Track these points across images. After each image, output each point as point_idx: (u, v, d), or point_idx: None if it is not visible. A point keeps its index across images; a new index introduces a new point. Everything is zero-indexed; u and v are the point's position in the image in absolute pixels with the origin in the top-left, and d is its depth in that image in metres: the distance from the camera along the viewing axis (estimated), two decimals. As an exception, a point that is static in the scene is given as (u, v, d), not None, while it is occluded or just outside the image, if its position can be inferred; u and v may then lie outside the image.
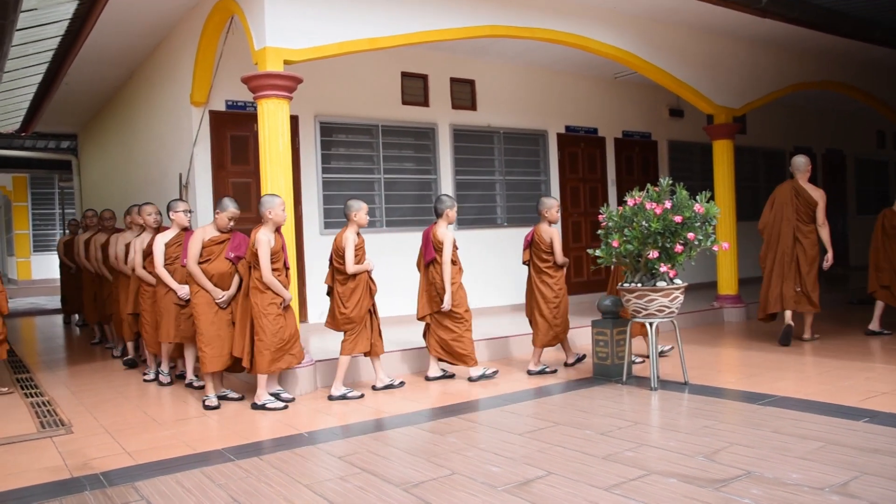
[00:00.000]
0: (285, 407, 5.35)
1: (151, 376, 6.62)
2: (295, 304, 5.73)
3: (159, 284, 6.22)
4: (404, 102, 9.19)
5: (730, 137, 9.36)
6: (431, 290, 6.08)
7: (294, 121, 8.04)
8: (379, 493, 3.44)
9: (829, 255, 7.15)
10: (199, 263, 5.51)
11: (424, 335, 6.24)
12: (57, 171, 17.91)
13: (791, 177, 7.38)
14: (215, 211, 5.62)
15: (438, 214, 6.09)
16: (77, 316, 11.27)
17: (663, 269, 5.23)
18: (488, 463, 3.83)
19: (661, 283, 5.32)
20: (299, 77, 5.97)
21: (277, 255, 5.38)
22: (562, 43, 7.68)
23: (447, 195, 6.23)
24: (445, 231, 6.02)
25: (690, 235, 5.17)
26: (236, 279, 5.58)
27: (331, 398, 5.59)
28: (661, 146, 11.94)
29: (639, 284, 5.41)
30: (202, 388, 6.09)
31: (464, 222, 9.51)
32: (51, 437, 4.81)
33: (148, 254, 6.42)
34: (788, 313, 7.20)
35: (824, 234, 7.15)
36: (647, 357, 6.44)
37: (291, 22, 5.97)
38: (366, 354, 5.83)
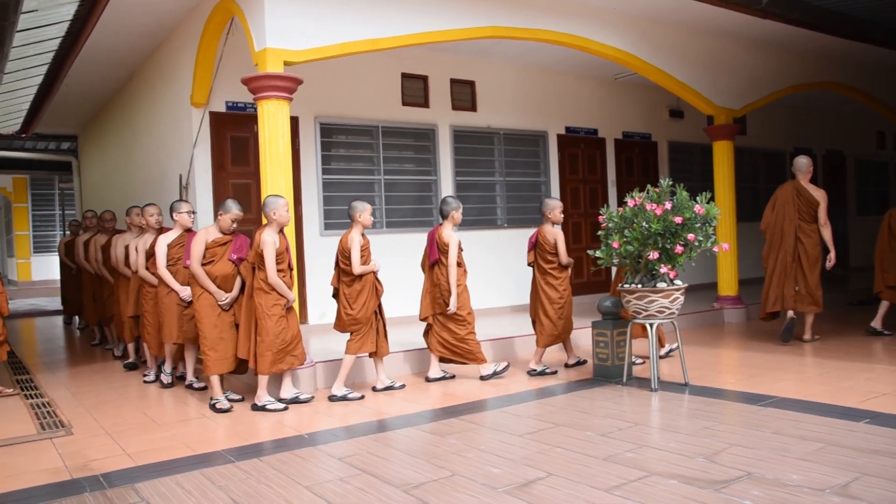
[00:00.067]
0: (286, 408, 5.35)
1: (152, 377, 6.62)
2: (295, 305, 5.72)
3: (161, 285, 6.22)
4: (404, 103, 9.20)
5: (730, 138, 9.36)
6: (435, 292, 6.08)
7: (294, 122, 8.04)
8: (379, 495, 3.44)
9: (832, 255, 7.16)
10: (203, 265, 5.50)
11: (425, 335, 6.24)
12: (57, 172, 17.93)
13: (792, 177, 7.39)
14: (218, 213, 5.60)
15: (444, 216, 6.08)
16: (78, 319, 11.28)
17: (663, 270, 5.23)
18: (488, 464, 3.83)
19: (661, 284, 5.33)
20: (299, 78, 5.97)
21: (282, 255, 5.38)
22: (562, 44, 7.68)
23: (453, 197, 6.21)
24: (451, 233, 6.01)
25: (691, 236, 5.18)
26: (238, 281, 5.58)
27: (331, 398, 5.59)
28: (662, 147, 11.94)
29: (639, 285, 5.41)
30: (202, 389, 6.09)
31: (464, 223, 9.44)
32: (51, 438, 4.81)
33: (151, 254, 6.43)
34: (790, 311, 7.23)
35: (826, 234, 7.15)
36: (648, 358, 6.45)
37: (291, 23, 5.97)
38: (370, 355, 5.83)
